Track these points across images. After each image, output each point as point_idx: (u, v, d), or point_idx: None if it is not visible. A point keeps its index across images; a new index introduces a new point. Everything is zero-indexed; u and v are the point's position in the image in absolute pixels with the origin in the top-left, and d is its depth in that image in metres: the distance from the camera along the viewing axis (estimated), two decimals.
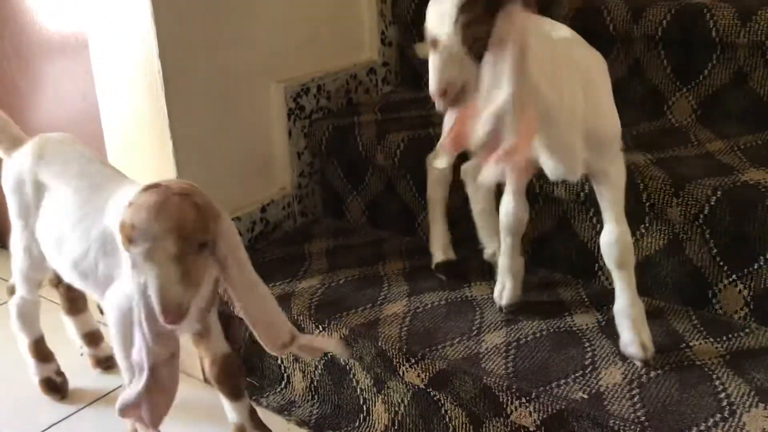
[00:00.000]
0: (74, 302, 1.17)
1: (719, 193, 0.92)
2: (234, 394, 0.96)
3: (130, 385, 0.84)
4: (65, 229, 0.93)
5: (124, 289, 0.85)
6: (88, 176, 0.95)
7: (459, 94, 0.78)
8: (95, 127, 1.17)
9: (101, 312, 0.98)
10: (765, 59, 1.09)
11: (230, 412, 0.97)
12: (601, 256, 0.88)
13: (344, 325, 1.00)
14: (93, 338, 1.20)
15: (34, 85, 1.43)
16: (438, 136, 1.15)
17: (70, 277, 0.96)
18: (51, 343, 1.15)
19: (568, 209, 1.08)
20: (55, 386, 1.14)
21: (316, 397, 1.10)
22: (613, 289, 0.90)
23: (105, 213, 0.89)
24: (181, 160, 1.10)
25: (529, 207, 0.99)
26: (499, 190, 1.02)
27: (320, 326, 1.02)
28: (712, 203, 0.92)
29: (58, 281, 1.12)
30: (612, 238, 0.87)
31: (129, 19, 1.05)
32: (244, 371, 1.03)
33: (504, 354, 0.92)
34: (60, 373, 1.15)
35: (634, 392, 0.84)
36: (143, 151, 1.13)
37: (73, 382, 1.16)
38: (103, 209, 0.90)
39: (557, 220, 1.09)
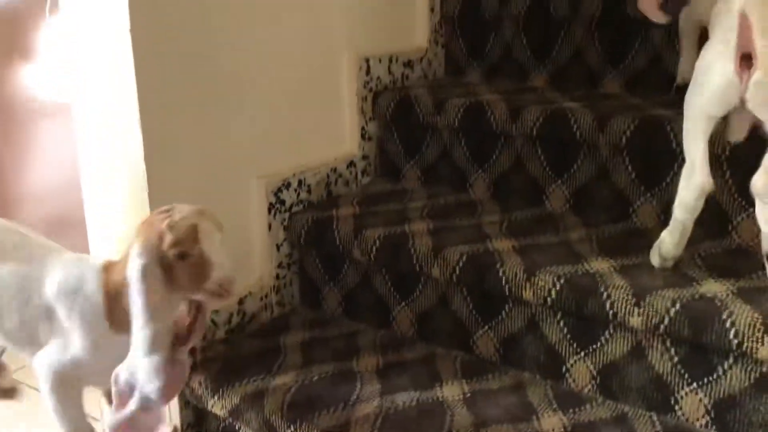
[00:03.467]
0: None
1: (678, 305, 0.96)
2: None
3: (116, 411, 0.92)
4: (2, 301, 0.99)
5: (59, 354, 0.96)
6: (23, 249, 1.01)
7: None
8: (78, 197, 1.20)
9: None
10: (722, 171, 1.16)
11: None
12: (570, 357, 0.91)
13: (316, 426, 1.01)
14: None
15: (17, 151, 1.46)
16: (413, 232, 1.20)
17: None
18: None
19: (537, 311, 1.11)
20: None
21: None
22: (578, 391, 0.92)
23: (45, 284, 0.98)
24: None
25: (500, 308, 1.03)
26: None
27: (292, 426, 1.03)
28: (672, 315, 0.96)
29: None
30: None
31: (116, 123, 1.09)
32: None
33: None
34: None
35: None
36: (122, 233, 1.15)
37: None
38: (42, 281, 0.97)
39: (527, 322, 1.12)
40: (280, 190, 1.30)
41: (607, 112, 1.24)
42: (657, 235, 1.18)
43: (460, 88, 1.52)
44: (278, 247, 1.32)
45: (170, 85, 1.10)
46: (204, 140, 1.17)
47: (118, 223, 1.15)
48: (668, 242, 1.05)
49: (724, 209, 1.16)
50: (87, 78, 1.11)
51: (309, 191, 1.36)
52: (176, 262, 0.91)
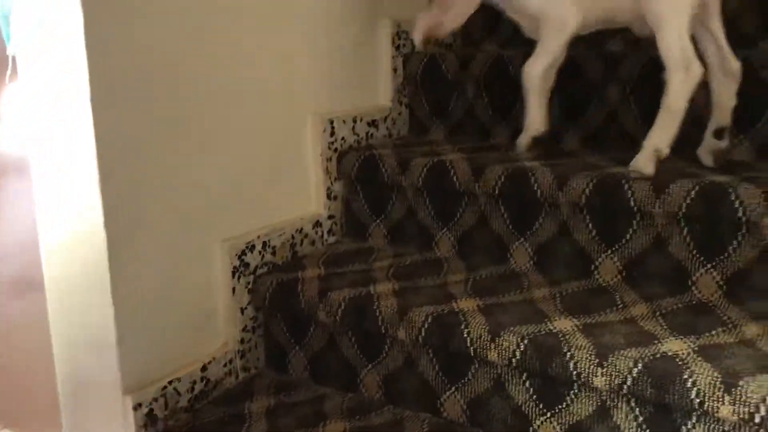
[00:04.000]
0: None
1: (640, 365, 0.96)
2: None
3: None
4: None
5: None
6: None
7: None
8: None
9: None
10: (680, 227, 1.18)
11: None
12: (537, 418, 0.90)
13: None
14: None
15: None
16: (378, 293, 1.20)
17: None
18: None
19: (502, 372, 1.11)
20: None
21: None
22: None
23: None
24: (122, 319, 1.10)
25: (466, 369, 1.04)
26: None
27: None
28: (634, 375, 0.96)
29: None
30: None
31: (74, 189, 1.08)
32: None
33: None
34: None
35: None
36: (81, 301, 1.13)
37: None
38: None
39: (493, 383, 1.12)
40: (244, 252, 1.29)
41: (566, 171, 1.27)
42: (619, 290, 1.20)
43: (424, 146, 1.54)
44: (243, 311, 1.31)
45: (133, 147, 1.09)
46: (168, 204, 1.16)
47: (77, 287, 1.13)
48: (666, 139, 1.21)
49: (683, 265, 1.18)
50: (47, 136, 1.10)
51: (274, 253, 1.36)
52: None
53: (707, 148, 1.29)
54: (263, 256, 1.34)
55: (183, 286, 1.21)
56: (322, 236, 1.48)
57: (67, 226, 1.11)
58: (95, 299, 1.11)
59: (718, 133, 1.27)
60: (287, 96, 1.39)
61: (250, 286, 1.31)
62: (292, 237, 1.40)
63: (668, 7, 1.20)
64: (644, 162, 1.22)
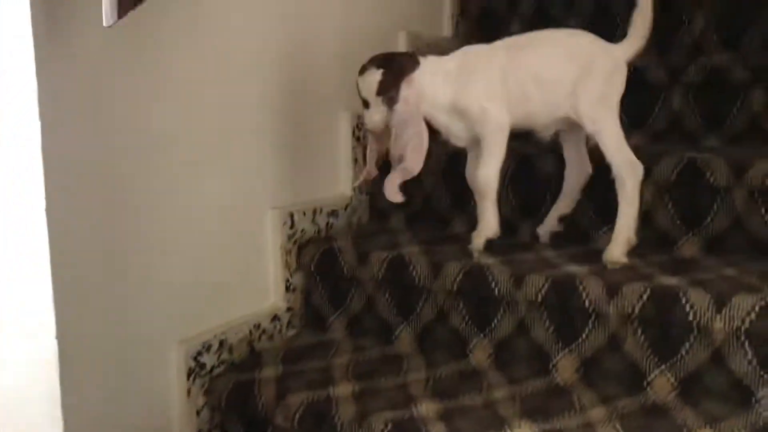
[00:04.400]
0: None
1: None
2: None
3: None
4: None
5: None
6: None
7: (382, 132, 1.33)
8: None
9: None
10: (633, 328, 1.20)
11: None
12: None
13: None
14: None
15: None
16: (337, 396, 1.19)
17: None
18: None
19: None
20: None
21: None
22: None
23: None
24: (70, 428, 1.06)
25: None
26: None
27: None
28: None
29: None
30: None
31: (24, 289, 1.06)
32: None
33: None
34: None
35: None
36: (29, 411, 1.09)
37: None
38: None
39: None
40: (200, 353, 1.27)
41: (523, 269, 1.29)
42: (577, 390, 1.21)
43: (383, 235, 1.55)
44: (198, 413, 1.27)
45: (84, 243, 1.07)
46: (120, 304, 1.14)
47: (24, 398, 1.09)
48: (633, 229, 1.31)
49: (638, 365, 1.20)
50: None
51: (230, 351, 1.33)
52: None
53: (548, 227, 1.47)
54: (220, 354, 1.31)
55: (136, 390, 1.18)
56: (281, 330, 1.46)
57: (16, 333, 1.08)
58: (44, 408, 1.07)
59: (561, 220, 1.46)
60: (246, 192, 1.39)
61: (205, 387, 1.28)
62: (250, 333, 1.38)
63: (603, 114, 1.29)
64: (620, 253, 1.30)
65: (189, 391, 1.25)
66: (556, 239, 1.49)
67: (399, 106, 1.29)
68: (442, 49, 1.93)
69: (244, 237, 1.39)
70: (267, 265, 1.45)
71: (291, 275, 1.48)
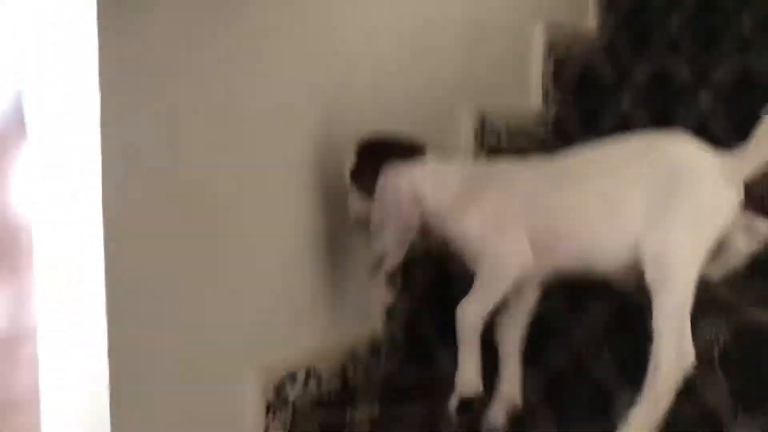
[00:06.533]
0: None
1: None
2: None
3: None
4: None
5: None
6: None
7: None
8: None
9: None
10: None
11: None
12: None
13: None
14: None
15: None
16: None
17: None
18: None
19: None
20: None
21: None
22: None
23: None
24: None
25: None
26: None
27: None
28: None
29: None
30: None
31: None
32: None
33: None
34: None
35: None
36: None
37: None
38: None
39: None
40: (282, 384, 1.06)
41: None
42: None
43: None
44: None
45: (147, 242, 0.91)
46: (184, 317, 0.96)
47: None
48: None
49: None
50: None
51: (319, 383, 1.12)
52: None
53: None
54: (307, 386, 1.10)
55: (205, 426, 0.99)
56: (379, 363, 1.23)
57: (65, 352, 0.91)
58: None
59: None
60: None
61: (287, 427, 1.07)
62: (342, 365, 1.16)
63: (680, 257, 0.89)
64: None
65: (266, 430, 1.05)
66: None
67: (377, 202, 1.04)
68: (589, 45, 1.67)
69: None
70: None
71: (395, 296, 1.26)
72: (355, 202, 1.10)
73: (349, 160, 1.10)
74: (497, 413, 1.03)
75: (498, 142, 1.48)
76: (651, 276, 0.90)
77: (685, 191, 0.89)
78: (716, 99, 1.37)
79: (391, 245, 1.03)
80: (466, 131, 1.42)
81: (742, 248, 0.93)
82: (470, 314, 0.99)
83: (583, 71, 1.59)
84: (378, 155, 1.07)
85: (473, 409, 1.02)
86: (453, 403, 1.02)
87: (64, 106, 0.89)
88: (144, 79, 0.90)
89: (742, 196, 0.91)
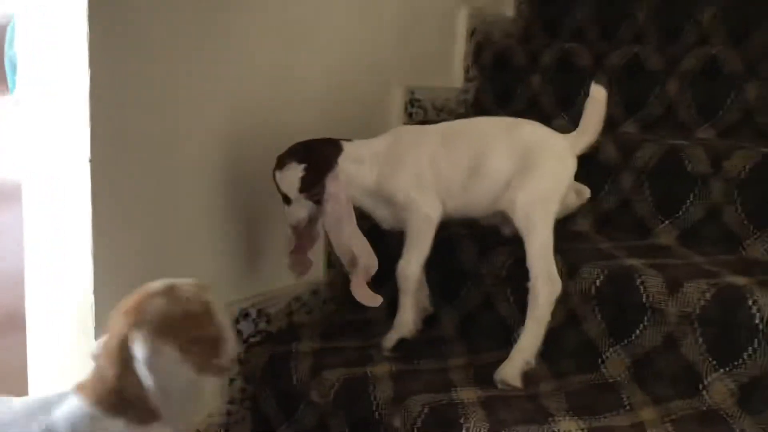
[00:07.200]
0: None
1: None
2: None
3: None
4: None
5: None
6: None
7: (306, 228, 1.20)
8: None
9: None
10: (692, 327, 1.13)
11: None
12: None
13: None
14: None
15: None
16: (373, 375, 1.15)
17: None
18: None
19: None
20: None
21: None
22: None
23: None
24: None
25: None
26: None
27: None
28: None
29: None
30: None
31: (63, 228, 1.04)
32: None
33: None
34: None
35: None
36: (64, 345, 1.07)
37: None
38: None
39: None
40: (237, 320, 1.24)
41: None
42: (625, 388, 1.15)
43: None
44: (231, 381, 1.25)
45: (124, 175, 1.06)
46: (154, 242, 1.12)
47: (60, 324, 1.07)
48: (535, 350, 1.14)
49: (695, 368, 1.13)
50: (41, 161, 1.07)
51: (268, 321, 1.30)
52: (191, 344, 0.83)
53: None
54: (257, 324, 1.28)
55: None
56: (321, 305, 1.42)
57: (54, 266, 1.06)
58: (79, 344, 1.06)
59: None
60: None
61: (241, 357, 1.25)
62: (289, 305, 1.35)
63: (538, 214, 1.14)
64: (514, 374, 1.12)
65: None
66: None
67: (329, 206, 1.15)
68: (506, 31, 1.87)
69: None
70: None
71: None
72: (300, 210, 1.17)
73: (293, 171, 1.15)
74: (389, 338, 1.23)
75: (425, 117, 1.67)
76: (520, 224, 1.15)
77: (541, 162, 1.16)
78: (611, 81, 1.60)
79: (357, 247, 1.15)
80: (397, 108, 1.60)
81: (571, 204, 1.23)
82: (408, 269, 1.19)
83: (500, 53, 1.79)
84: (320, 161, 1.16)
85: (405, 346, 1.22)
86: (391, 339, 1.22)
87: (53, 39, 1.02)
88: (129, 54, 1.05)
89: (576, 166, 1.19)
